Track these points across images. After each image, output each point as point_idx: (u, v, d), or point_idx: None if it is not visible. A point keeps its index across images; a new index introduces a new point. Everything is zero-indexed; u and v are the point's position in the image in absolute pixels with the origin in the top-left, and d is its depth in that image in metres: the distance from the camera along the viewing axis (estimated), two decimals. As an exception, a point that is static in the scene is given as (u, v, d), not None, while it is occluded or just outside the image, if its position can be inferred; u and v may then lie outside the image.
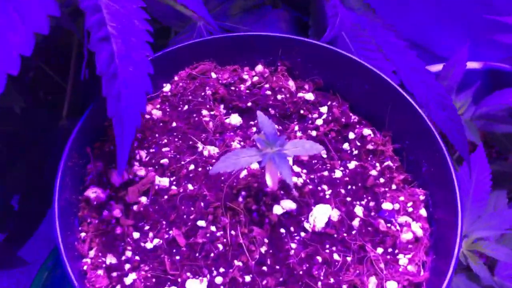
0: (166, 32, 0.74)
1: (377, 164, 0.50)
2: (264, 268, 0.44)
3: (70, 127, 0.63)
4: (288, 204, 0.46)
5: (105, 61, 0.39)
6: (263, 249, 0.44)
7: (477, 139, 0.74)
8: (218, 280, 0.43)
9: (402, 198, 0.48)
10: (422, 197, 0.48)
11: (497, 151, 0.88)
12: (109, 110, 0.39)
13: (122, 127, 0.39)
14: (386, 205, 0.47)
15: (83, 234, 0.45)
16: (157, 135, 0.50)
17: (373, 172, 0.50)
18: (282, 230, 0.46)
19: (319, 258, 0.44)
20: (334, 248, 0.45)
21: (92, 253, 0.44)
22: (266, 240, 0.45)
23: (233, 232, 0.45)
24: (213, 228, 0.45)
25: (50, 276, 0.66)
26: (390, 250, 0.45)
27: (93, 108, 0.47)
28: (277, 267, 0.44)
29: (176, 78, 0.53)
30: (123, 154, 0.39)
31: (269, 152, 0.42)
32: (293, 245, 0.45)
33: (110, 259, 0.43)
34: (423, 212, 0.47)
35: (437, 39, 1.13)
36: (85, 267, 0.43)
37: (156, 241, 0.44)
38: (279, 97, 0.53)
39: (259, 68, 0.54)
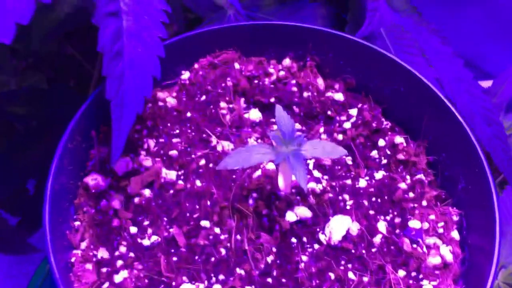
0: (198, 22, 0.70)
1: (408, 177, 0.45)
2: (269, 280, 0.39)
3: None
4: (303, 212, 0.41)
5: (109, 37, 0.36)
6: (269, 259, 0.40)
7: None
8: (216, 288, 0.38)
9: (432, 217, 0.42)
10: (455, 218, 0.42)
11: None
12: (108, 91, 0.35)
13: (121, 111, 0.35)
14: (414, 223, 0.42)
15: (77, 223, 0.41)
16: (169, 125, 0.46)
17: (402, 185, 0.44)
18: (294, 240, 0.41)
19: (332, 275, 0.40)
20: (349, 266, 0.40)
21: (83, 244, 0.40)
22: (274, 249, 0.40)
23: (238, 237, 0.40)
24: (217, 230, 0.41)
25: (48, 277, 0.64)
26: (413, 274, 0.40)
27: (102, 89, 0.43)
28: (283, 280, 0.39)
29: (196, 65, 0.50)
30: (119, 141, 0.35)
31: (285, 151, 0.38)
32: (304, 258, 0.40)
33: (102, 253, 0.40)
34: (455, 234, 0.41)
35: (487, 54, 1.06)
36: (73, 259, 0.39)
37: (154, 238, 0.40)
38: (305, 94, 0.48)
39: (287, 62, 0.50)
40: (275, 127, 0.48)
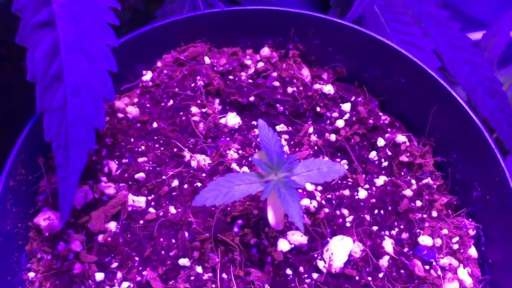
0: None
1: (413, 181, 0.39)
2: (264, 324, 0.34)
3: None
4: (297, 238, 0.35)
5: (42, 58, 0.28)
6: (263, 299, 0.34)
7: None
8: None
9: (445, 231, 0.37)
10: (472, 232, 0.37)
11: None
12: (46, 130, 0.28)
13: (67, 153, 0.28)
14: (424, 239, 0.36)
15: (31, 275, 0.35)
16: (132, 140, 0.39)
17: (408, 192, 0.39)
18: (289, 272, 0.35)
19: (336, 311, 0.34)
20: (355, 296, 0.35)
21: (41, 301, 0.34)
22: (267, 287, 0.34)
23: (224, 275, 0.34)
24: (199, 269, 0.35)
25: None
26: (428, 302, 0.35)
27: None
28: (281, 323, 0.34)
29: (159, 63, 0.42)
30: (67, 194, 0.28)
31: (273, 179, 0.31)
32: (303, 292, 0.35)
33: (65, 310, 0.34)
34: (472, 252, 0.36)
35: (477, 1, 0.99)
36: (30, 324, 0.33)
37: (125, 285, 0.34)
38: (289, 90, 0.41)
39: (265, 51, 0.43)
40: (256, 131, 0.41)
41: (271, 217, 0.33)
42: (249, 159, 0.39)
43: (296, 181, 0.31)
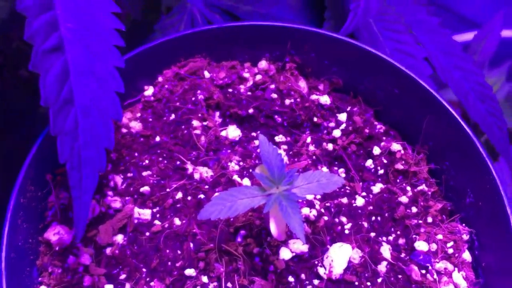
0: (157, 5, 0.63)
1: (408, 188, 0.41)
2: (269, 331, 0.35)
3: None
4: (298, 246, 0.37)
5: (54, 83, 0.29)
6: (267, 306, 0.36)
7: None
8: None
9: (440, 237, 0.38)
10: (465, 237, 0.38)
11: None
12: (60, 152, 0.29)
13: (80, 173, 0.29)
14: (420, 244, 0.38)
15: (43, 288, 0.36)
16: (136, 154, 0.40)
17: (403, 199, 0.40)
18: (291, 279, 0.37)
19: (337, 316, 0.36)
20: (355, 301, 0.36)
21: (54, 313, 0.35)
22: (270, 294, 0.36)
23: (229, 285, 0.36)
24: (204, 279, 0.36)
25: None
26: (424, 305, 0.36)
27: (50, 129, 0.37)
28: (285, 329, 0.35)
29: (160, 79, 0.43)
30: (81, 213, 0.29)
31: (275, 192, 0.33)
32: (305, 299, 0.36)
33: (76, 322, 0.35)
34: (466, 256, 0.38)
35: (469, 1, 1.01)
36: (44, 336, 0.34)
37: (133, 295, 0.36)
38: (287, 101, 0.43)
39: (263, 64, 0.44)
40: (256, 142, 0.42)
41: (273, 228, 0.34)
42: (250, 170, 0.41)
43: (297, 194, 0.33)
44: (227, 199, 0.33)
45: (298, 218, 0.31)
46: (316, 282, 0.37)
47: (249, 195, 0.33)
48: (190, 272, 0.36)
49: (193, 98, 0.42)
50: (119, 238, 0.37)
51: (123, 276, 0.36)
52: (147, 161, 0.40)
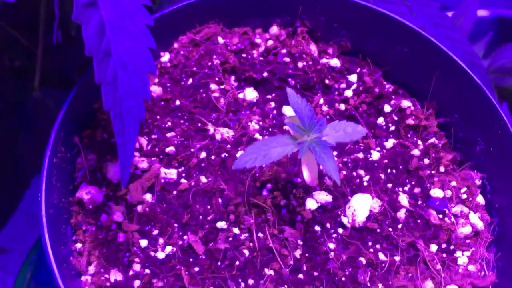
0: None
1: (419, 142, 0.43)
2: (301, 276, 0.36)
3: (44, 98, 0.53)
4: (323, 197, 0.38)
5: (94, 34, 0.30)
6: (297, 253, 0.37)
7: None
8: (247, 294, 0.35)
9: (454, 183, 0.40)
10: (478, 182, 0.41)
11: (509, 107, 0.82)
12: (105, 102, 0.30)
13: (122, 122, 0.30)
14: (436, 192, 0.40)
15: (78, 245, 0.36)
16: (158, 117, 0.41)
17: (415, 152, 0.42)
18: (317, 228, 0.38)
19: (363, 260, 0.37)
20: (378, 246, 0.38)
21: (92, 268, 0.36)
22: (300, 242, 0.37)
23: (260, 234, 0.37)
24: (236, 230, 0.37)
25: (35, 272, 0.58)
26: (444, 246, 0.39)
27: (78, 87, 0.38)
28: (316, 273, 0.37)
29: (175, 45, 0.44)
30: (126, 158, 0.30)
31: (306, 140, 0.34)
32: (331, 245, 0.38)
33: (115, 275, 0.35)
34: (480, 199, 0.40)
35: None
36: (85, 289, 0.35)
37: (168, 249, 0.37)
38: (299, 64, 0.44)
39: (274, 30, 0.45)
40: (272, 104, 0.44)
41: (306, 174, 0.36)
42: (269, 130, 0.42)
43: (328, 141, 0.34)
44: (261, 148, 0.34)
45: (332, 161, 0.33)
46: (340, 230, 0.39)
47: (282, 143, 0.34)
48: (221, 224, 0.37)
49: (209, 63, 0.43)
50: (148, 197, 0.38)
51: (155, 232, 0.37)
52: (169, 123, 0.41)
